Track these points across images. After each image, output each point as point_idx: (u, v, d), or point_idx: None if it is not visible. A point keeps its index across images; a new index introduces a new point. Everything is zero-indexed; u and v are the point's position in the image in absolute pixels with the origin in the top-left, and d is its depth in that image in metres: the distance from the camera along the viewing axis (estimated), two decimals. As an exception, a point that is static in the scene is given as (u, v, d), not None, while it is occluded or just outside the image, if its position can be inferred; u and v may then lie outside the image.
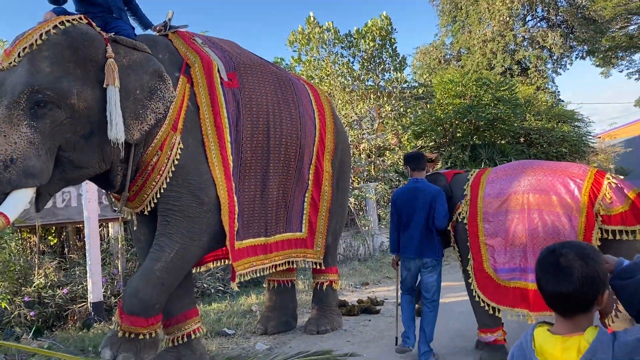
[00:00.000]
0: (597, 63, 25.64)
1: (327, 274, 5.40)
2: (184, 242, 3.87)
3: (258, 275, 4.61)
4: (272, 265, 4.75)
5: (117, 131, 3.47)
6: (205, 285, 7.02)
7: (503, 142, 15.45)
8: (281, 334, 5.31)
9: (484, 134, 14.48)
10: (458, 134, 14.37)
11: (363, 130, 12.16)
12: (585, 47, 24.25)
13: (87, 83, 3.48)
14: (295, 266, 5.45)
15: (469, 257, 4.28)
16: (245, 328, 5.49)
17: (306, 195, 5.12)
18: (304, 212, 5.11)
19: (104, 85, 3.50)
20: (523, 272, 4.02)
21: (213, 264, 4.82)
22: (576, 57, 25.41)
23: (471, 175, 4.49)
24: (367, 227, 10.55)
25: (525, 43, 24.30)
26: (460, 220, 4.32)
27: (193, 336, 4.29)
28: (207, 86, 4.27)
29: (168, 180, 3.87)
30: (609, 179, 3.89)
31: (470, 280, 4.27)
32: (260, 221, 4.67)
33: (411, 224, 4.35)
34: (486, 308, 4.17)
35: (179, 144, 3.93)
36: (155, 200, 3.90)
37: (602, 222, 3.80)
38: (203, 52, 4.40)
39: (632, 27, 23.09)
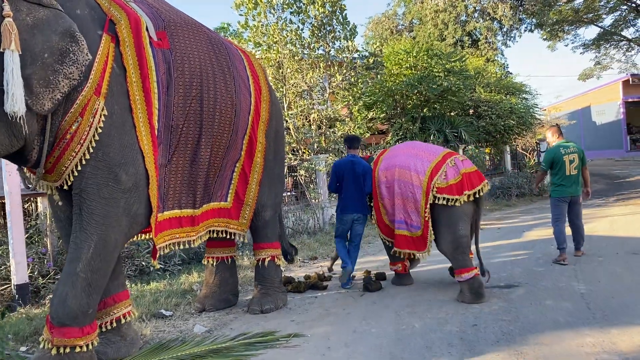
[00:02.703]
0: (545, 37, 26.09)
1: (268, 249, 5.13)
2: (101, 232, 3.49)
3: (181, 247, 4.35)
4: (198, 237, 4.49)
5: (13, 103, 2.98)
6: (144, 263, 6.62)
7: (453, 114, 15.49)
8: (223, 314, 5.03)
9: (434, 105, 14.44)
10: (409, 106, 14.26)
11: (313, 100, 11.78)
12: (534, 20, 24.58)
13: None
14: (236, 240, 5.16)
15: (373, 213, 5.85)
16: (184, 309, 5.17)
17: (237, 165, 4.83)
18: (232, 182, 4.83)
19: (0, 50, 3.02)
20: (393, 223, 5.55)
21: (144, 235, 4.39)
22: (525, 30, 25.81)
23: (376, 155, 5.99)
24: (317, 200, 10.32)
25: (476, 14, 24.39)
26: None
27: (123, 321, 3.97)
28: (134, 46, 3.83)
29: (91, 150, 3.46)
30: (451, 160, 5.27)
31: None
32: (189, 193, 4.37)
33: (350, 188, 5.81)
34: (388, 244, 5.78)
35: (102, 110, 3.50)
36: (76, 173, 3.49)
37: (436, 191, 5.15)
38: (129, 8, 3.94)
39: (577, 1, 23.47)
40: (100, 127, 3.49)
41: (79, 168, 3.46)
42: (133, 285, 6.00)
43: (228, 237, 4.94)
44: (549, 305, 4.77)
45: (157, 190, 4.00)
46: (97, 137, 3.47)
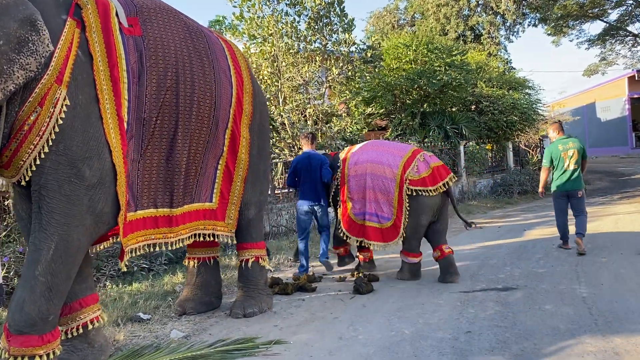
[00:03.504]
0: (549, 32, 25.71)
1: (252, 249, 4.87)
2: (62, 232, 3.23)
3: (157, 250, 4.09)
4: (179, 240, 4.20)
5: None
6: (127, 263, 6.32)
7: (454, 109, 15.18)
8: (204, 318, 4.76)
9: (434, 101, 14.12)
10: (408, 101, 13.96)
11: (309, 94, 11.46)
12: (538, 14, 24.18)
13: None
14: (219, 240, 4.88)
15: (339, 206, 6.17)
16: (163, 312, 4.89)
17: (220, 162, 4.53)
18: (216, 180, 4.54)
19: None
20: (363, 215, 5.85)
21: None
22: (529, 25, 25.42)
23: (342, 152, 6.40)
24: (312, 197, 10.03)
25: (479, 9, 24.01)
26: (337, 182, 6.15)
27: (90, 326, 3.70)
28: (102, 32, 3.58)
29: (51, 143, 3.21)
30: (421, 155, 5.78)
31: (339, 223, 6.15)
32: (165, 191, 4.08)
33: (307, 181, 6.21)
34: (345, 239, 6.10)
35: (64, 99, 3.24)
36: (34, 168, 3.23)
37: (409, 183, 5.59)
38: (97, -9, 3.67)
39: (583, -5, 23.07)
40: (61, 117, 3.23)
41: (38, 162, 3.21)
42: (114, 286, 5.75)
43: (214, 239, 4.68)
44: (549, 310, 4.49)
45: (128, 188, 3.76)
46: (57, 129, 3.21)
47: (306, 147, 6.48)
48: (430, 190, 5.55)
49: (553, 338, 3.83)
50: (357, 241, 5.96)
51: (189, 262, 5.00)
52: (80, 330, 3.66)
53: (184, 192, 4.24)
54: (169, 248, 4.19)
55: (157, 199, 4.08)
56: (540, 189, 7.37)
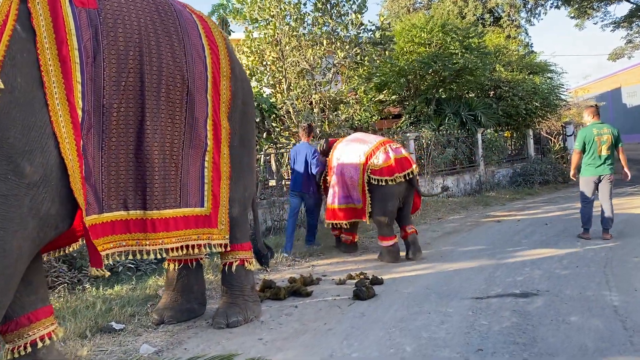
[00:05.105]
0: (572, 14, 24.64)
1: (237, 251, 4.32)
2: None
3: (130, 258, 3.59)
4: (161, 249, 3.67)
5: None
6: (112, 263, 5.86)
7: (471, 95, 14.45)
8: (183, 328, 4.26)
9: (450, 86, 13.41)
10: (422, 87, 13.27)
11: (315, 80, 10.82)
12: (561, -5, 23.13)
13: None
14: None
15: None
16: (139, 321, 4.40)
17: (206, 158, 3.96)
18: (205, 180, 3.97)
19: None
20: (339, 199, 6.44)
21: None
22: (551, 7, 24.33)
23: (337, 142, 6.87)
24: (318, 189, 9.47)
25: (498, -10, 23.04)
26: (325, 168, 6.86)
27: (40, 344, 3.22)
28: (47, 3, 3.06)
29: None
30: (385, 147, 6.19)
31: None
32: (137, 190, 3.55)
33: (296, 169, 6.87)
34: (328, 229, 6.93)
35: None
36: None
37: (370, 173, 6.09)
38: (42, -44, 3.15)
39: (609, -25, 21.95)
40: None
41: None
42: (94, 289, 5.28)
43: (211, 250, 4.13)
44: (575, 322, 3.89)
45: (90, 187, 3.26)
46: None
47: (303, 139, 7.04)
48: (388, 180, 5.98)
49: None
50: (330, 225, 6.67)
51: (168, 264, 4.51)
52: (29, 349, 3.18)
53: (163, 193, 3.70)
54: (146, 257, 3.68)
55: (128, 200, 3.57)
56: (572, 172, 7.34)
